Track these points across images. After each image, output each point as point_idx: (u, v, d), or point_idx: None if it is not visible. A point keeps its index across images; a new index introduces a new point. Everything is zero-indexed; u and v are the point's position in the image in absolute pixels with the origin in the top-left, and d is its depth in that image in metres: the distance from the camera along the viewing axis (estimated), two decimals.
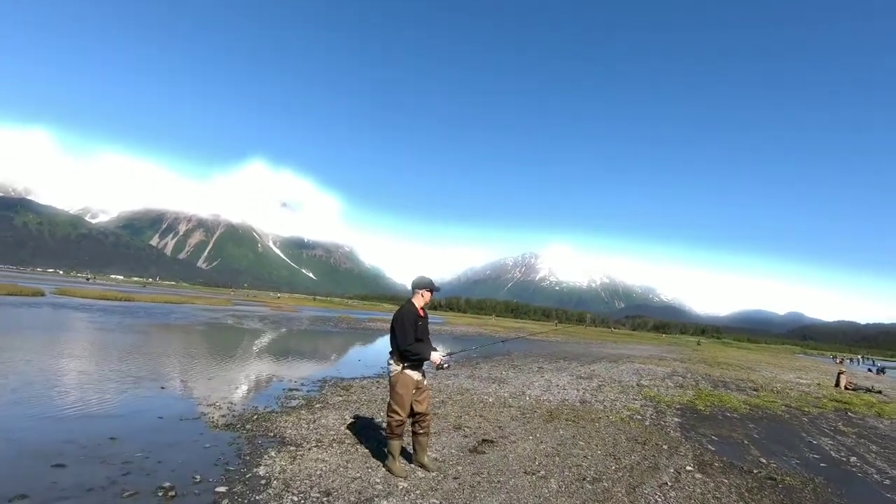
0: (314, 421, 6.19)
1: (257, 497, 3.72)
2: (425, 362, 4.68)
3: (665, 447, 6.62)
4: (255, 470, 4.29)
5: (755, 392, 14.43)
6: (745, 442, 7.57)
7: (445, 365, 4.71)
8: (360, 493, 4.00)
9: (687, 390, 13.27)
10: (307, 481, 4.13)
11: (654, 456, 6.09)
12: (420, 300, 4.74)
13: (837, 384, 19.04)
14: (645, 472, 5.36)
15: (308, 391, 8.35)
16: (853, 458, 7.15)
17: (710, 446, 7.00)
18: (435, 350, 4.73)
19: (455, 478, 4.54)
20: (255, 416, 6.18)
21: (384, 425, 6.12)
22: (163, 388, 7.44)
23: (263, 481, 4.04)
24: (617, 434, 7.09)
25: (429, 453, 5.14)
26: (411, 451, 4.88)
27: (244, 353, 13.05)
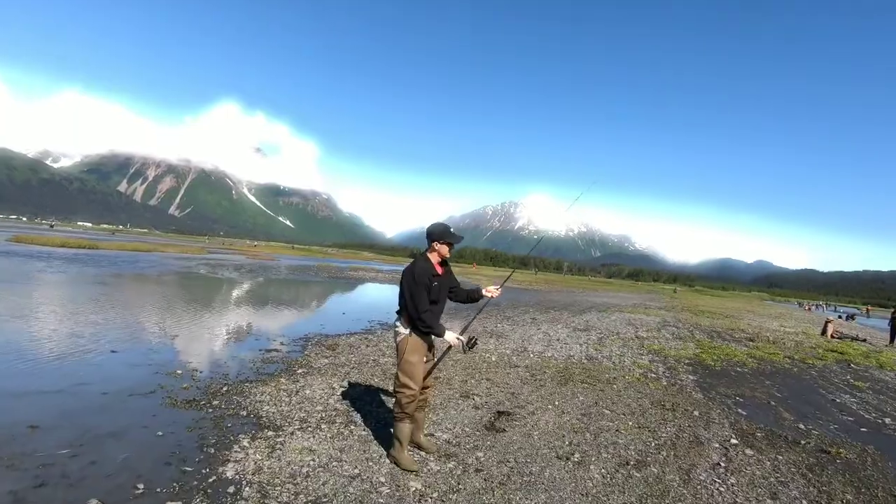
0: (297, 392, 5.19)
1: None
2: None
3: (696, 413, 5.90)
4: (220, 470, 3.28)
5: (752, 343, 14.11)
6: (772, 403, 6.95)
7: (469, 345, 3.78)
8: (361, 501, 3.04)
9: (687, 342, 12.79)
10: (290, 485, 3.15)
11: (689, 426, 5.34)
12: (435, 255, 3.66)
13: (824, 333, 19.09)
14: (690, 450, 4.58)
15: (288, 352, 7.32)
16: (888, 420, 6.60)
17: (739, 410, 6.33)
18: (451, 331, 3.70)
19: (478, 470, 3.63)
20: (225, 388, 5.13)
21: (383, 397, 5.19)
22: (114, 351, 6.29)
23: (232, 489, 3.04)
24: (640, 398, 6.34)
25: (434, 433, 4.28)
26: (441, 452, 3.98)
27: (216, 307, 11.89)
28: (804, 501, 3.73)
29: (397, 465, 3.56)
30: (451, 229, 3.69)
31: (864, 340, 18.58)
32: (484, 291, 3.87)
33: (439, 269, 3.65)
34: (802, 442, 5.22)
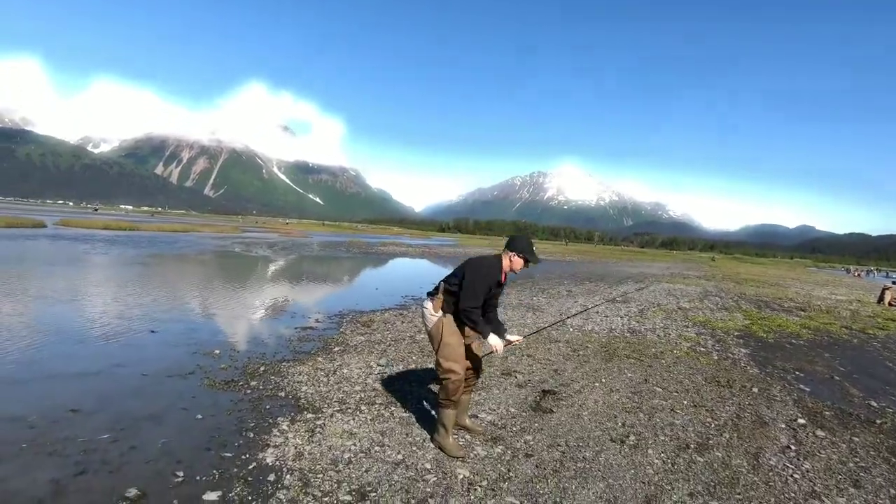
0: (334, 371, 5.07)
1: None
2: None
3: (755, 390, 5.51)
4: (260, 456, 3.16)
5: (803, 313, 13.35)
6: (836, 378, 6.46)
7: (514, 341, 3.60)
8: (407, 490, 2.86)
9: (733, 313, 12.18)
10: (332, 473, 3.00)
11: (750, 405, 4.97)
12: (507, 263, 3.41)
13: (881, 300, 17.97)
14: (755, 431, 4.24)
15: (324, 330, 7.24)
16: None
17: (801, 386, 5.89)
18: (499, 334, 3.46)
19: (528, 455, 3.41)
20: (263, 368, 5.05)
21: (422, 375, 5.01)
22: (153, 332, 6.32)
23: (272, 476, 2.91)
24: (691, 374, 5.98)
25: (478, 414, 4.08)
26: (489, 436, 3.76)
27: (251, 285, 12.00)
28: (891, 490, 3.36)
29: (443, 450, 3.36)
30: (535, 248, 3.49)
31: None
32: (507, 336, 3.56)
33: (503, 278, 3.46)
34: (878, 421, 4.79)
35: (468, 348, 3.51)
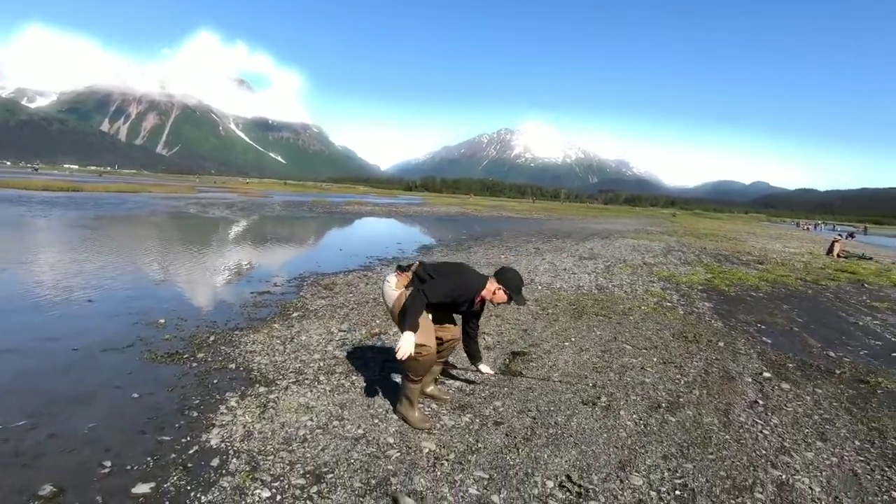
0: (291, 339, 4.74)
1: (202, 500, 2.29)
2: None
3: (721, 344, 5.54)
4: (203, 438, 2.84)
5: (761, 265, 13.77)
6: (794, 329, 6.62)
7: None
8: (367, 468, 2.62)
9: (696, 267, 12.42)
10: (285, 453, 2.72)
11: (717, 359, 4.98)
12: (490, 291, 3.23)
13: (830, 252, 18.80)
14: (723, 387, 4.21)
15: (283, 294, 6.84)
16: None
17: (763, 338, 5.98)
18: (413, 331, 2.89)
19: (497, 423, 3.22)
20: (212, 338, 4.66)
21: (385, 340, 4.75)
22: (90, 301, 5.77)
23: (216, 461, 2.61)
24: (659, 330, 5.96)
25: (444, 381, 3.88)
26: (458, 404, 3.55)
27: (205, 249, 11.32)
28: (855, 441, 3.38)
29: (406, 422, 3.13)
30: (524, 289, 3.38)
31: (871, 258, 18.34)
32: (481, 366, 3.61)
33: (478, 301, 3.31)
34: (837, 372, 4.88)
35: (442, 324, 3.35)
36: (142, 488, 2.35)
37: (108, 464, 2.53)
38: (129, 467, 2.51)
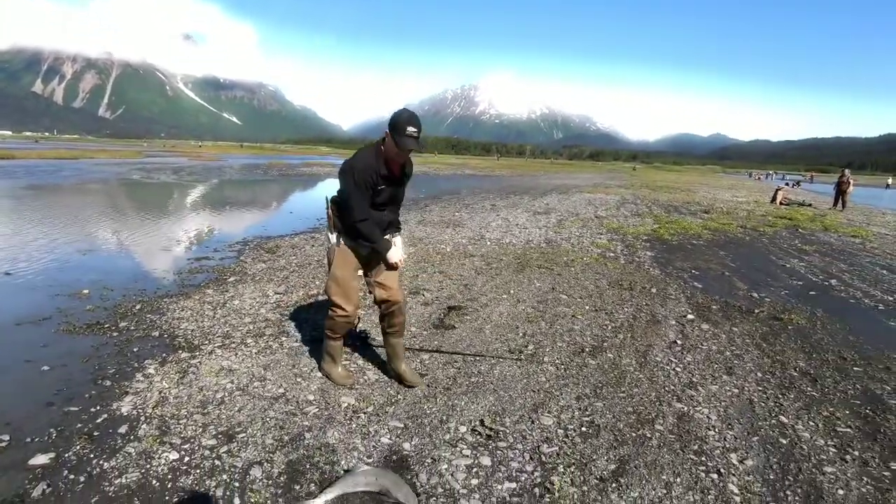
0: (223, 304, 4.64)
1: (105, 466, 2.26)
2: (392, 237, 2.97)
3: (653, 290, 5.77)
4: (114, 406, 2.78)
5: (707, 215, 14.30)
6: (726, 273, 6.95)
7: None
8: (282, 426, 2.64)
9: (645, 218, 12.78)
10: (199, 416, 2.70)
11: (647, 304, 5.19)
12: (391, 147, 2.65)
13: (774, 200, 19.68)
14: (647, 330, 4.41)
15: (222, 259, 6.65)
16: (833, 282, 6.74)
17: (695, 283, 6.26)
18: (394, 239, 2.97)
19: (422, 374, 3.28)
20: (139, 306, 4.51)
21: (321, 300, 4.71)
22: (7, 273, 5.46)
23: (124, 428, 2.57)
24: (597, 279, 6.15)
25: (376, 337, 3.77)
26: (385, 359, 3.32)
27: (145, 216, 10.83)
28: (759, 373, 3.62)
29: (329, 378, 3.15)
30: (410, 122, 2.59)
31: (811, 205, 19.33)
32: (389, 255, 2.88)
33: (393, 168, 2.78)
34: (756, 311, 5.18)
35: (381, 284, 2.98)
36: (40, 459, 2.29)
37: (7, 438, 2.45)
38: (28, 440, 2.44)
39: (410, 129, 2.58)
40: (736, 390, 3.33)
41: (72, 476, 2.19)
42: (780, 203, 19.12)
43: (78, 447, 2.40)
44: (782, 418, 2.98)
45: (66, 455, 2.34)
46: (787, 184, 39.88)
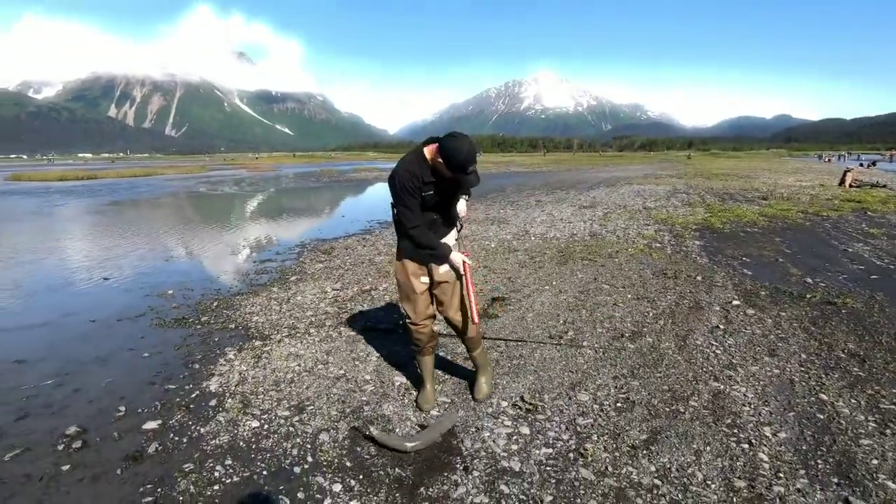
0: (288, 300, 5.13)
1: (202, 431, 2.70)
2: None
3: (699, 278, 5.75)
4: (204, 385, 3.26)
5: (765, 201, 13.66)
6: (780, 260, 6.75)
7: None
8: (343, 400, 3.01)
9: (696, 208, 12.42)
10: (273, 392, 3.12)
11: (691, 292, 5.21)
12: (431, 154, 2.56)
13: (842, 183, 18.42)
14: (689, 316, 4.47)
15: (283, 261, 7.24)
16: None
17: (745, 271, 6.15)
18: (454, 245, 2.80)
19: (466, 359, 3.57)
20: (216, 303, 5.08)
21: (374, 294, 5.10)
22: (106, 278, 6.26)
23: (214, 402, 3.02)
24: (641, 269, 6.19)
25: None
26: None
27: (213, 224, 11.78)
28: (803, 355, 3.63)
29: (417, 406, 2.97)
30: (468, 160, 2.43)
31: (885, 186, 17.92)
32: (452, 258, 2.77)
33: (430, 172, 2.59)
34: (808, 296, 5.07)
35: (437, 298, 2.86)
36: (151, 425, 2.77)
37: (123, 409, 2.96)
38: (140, 411, 2.94)
39: (471, 167, 2.49)
40: (777, 371, 3.38)
41: (176, 438, 2.65)
42: (850, 185, 17.85)
43: (179, 416, 2.87)
44: (822, 396, 3.02)
45: (170, 422, 2.81)
46: (861, 164, 36.93)
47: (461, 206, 2.85)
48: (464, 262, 2.79)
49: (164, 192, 21.54)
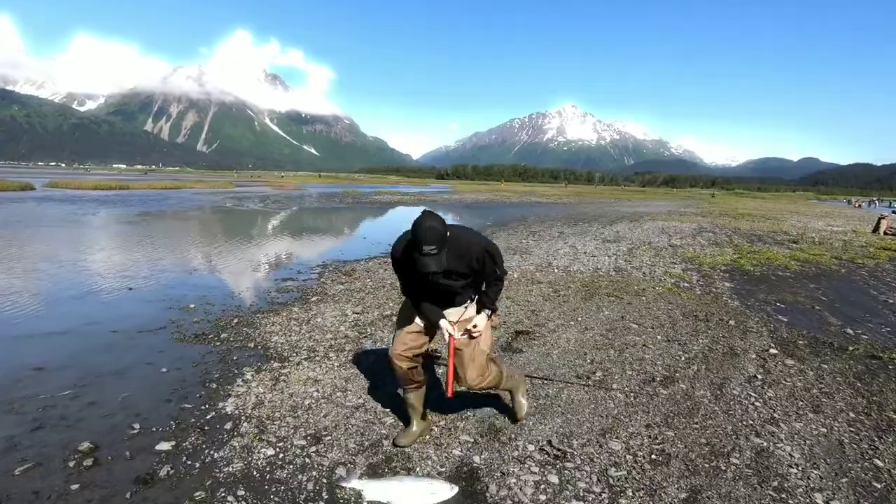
0: (308, 321, 5.06)
1: (215, 456, 2.60)
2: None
3: (731, 322, 5.52)
4: (220, 405, 3.17)
5: (795, 245, 13.27)
6: (816, 307, 6.47)
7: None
8: (362, 433, 2.88)
9: (724, 248, 12.12)
10: (290, 419, 3.01)
11: (724, 337, 4.98)
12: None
13: (876, 230, 17.86)
14: (724, 363, 4.25)
15: (304, 280, 7.21)
16: None
17: (779, 317, 5.90)
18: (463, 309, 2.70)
19: (489, 395, 3.42)
20: (236, 320, 5.04)
21: (395, 321, 5.00)
22: (130, 289, 6.30)
23: (229, 424, 2.93)
24: (670, 309, 5.98)
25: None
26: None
27: (238, 240, 11.91)
28: (851, 413, 3.39)
29: (395, 442, 2.78)
30: (426, 238, 2.19)
31: None
32: (441, 325, 2.62)
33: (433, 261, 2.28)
34: (850, 348, 4.81)
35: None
36: (164, 446, 2.68)
37: (137, 426, 2.89)
38: (154, 429, 2.86)
39: (428, 248, 2.18)
40: (824, 429, 3.15)
41: (189, 462, 2.55)
42: (885, 233, 17.29)
43: (193, 438, 2.77)
44: (877, 461, 2.79)
45: (184, 444, 2.71)
46: (893, 211, 35.89)
47: (480, 318, 2.61)
48: (450, 335, 2.61)
49: (193, 206, 22.03)
